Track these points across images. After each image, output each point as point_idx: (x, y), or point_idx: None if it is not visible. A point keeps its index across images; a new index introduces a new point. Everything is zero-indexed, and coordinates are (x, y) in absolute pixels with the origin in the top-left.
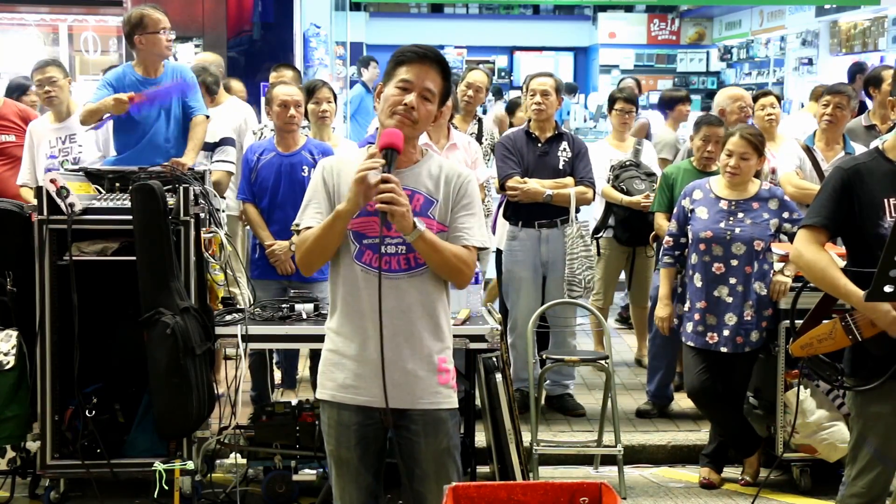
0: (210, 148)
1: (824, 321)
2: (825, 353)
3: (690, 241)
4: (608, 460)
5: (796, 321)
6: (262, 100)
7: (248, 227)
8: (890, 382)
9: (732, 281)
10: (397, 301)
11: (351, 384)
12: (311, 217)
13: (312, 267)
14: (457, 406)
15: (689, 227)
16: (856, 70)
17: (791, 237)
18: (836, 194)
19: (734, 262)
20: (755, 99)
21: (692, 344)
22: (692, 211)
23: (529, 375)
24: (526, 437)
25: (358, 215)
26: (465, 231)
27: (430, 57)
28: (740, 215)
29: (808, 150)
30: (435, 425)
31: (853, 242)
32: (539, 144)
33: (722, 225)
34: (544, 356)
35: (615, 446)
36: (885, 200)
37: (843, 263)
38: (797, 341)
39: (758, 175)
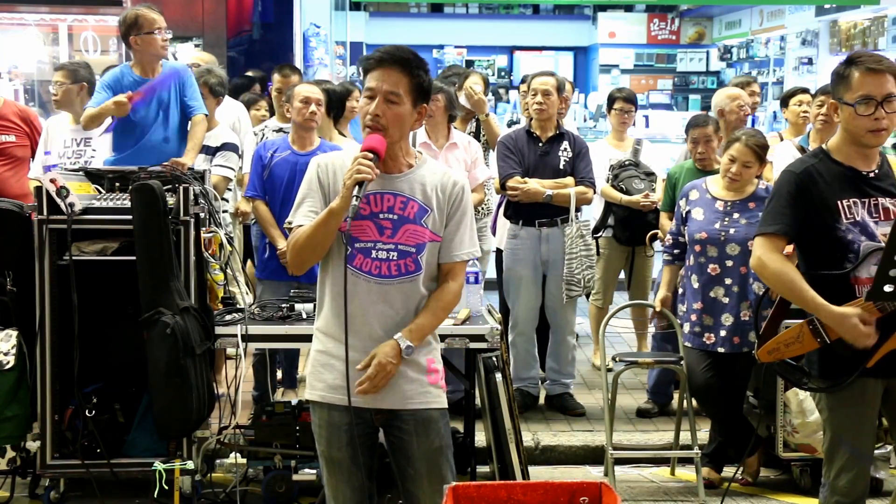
0: (210, 152)
1: (784, 328)
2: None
3: (687, 243)
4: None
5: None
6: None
7: (244, 227)
8: (860, 380)
9: (728, 282)
10: (387, 305)
11: (340, 385)
12: (305, 216)
13: (304, 265)
14: (446, 406)
15: (685, 227)
16: None
17: None
18: (791, 199)
19: (729, 263)
20: (791, 95)
21: (689, 345)
22: (688, 212)
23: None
24: (527, 437)
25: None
26: (455, 245)
27: (387, 59)
28: (735, 216)
29: (803, 151)
30: (426, 425)
31: (809, 246)
32: (540, 144)
33: (716, 226)
34: (617, 358)
35: (692, 449)
36: (840, 203)
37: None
38: (764, 346)
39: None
